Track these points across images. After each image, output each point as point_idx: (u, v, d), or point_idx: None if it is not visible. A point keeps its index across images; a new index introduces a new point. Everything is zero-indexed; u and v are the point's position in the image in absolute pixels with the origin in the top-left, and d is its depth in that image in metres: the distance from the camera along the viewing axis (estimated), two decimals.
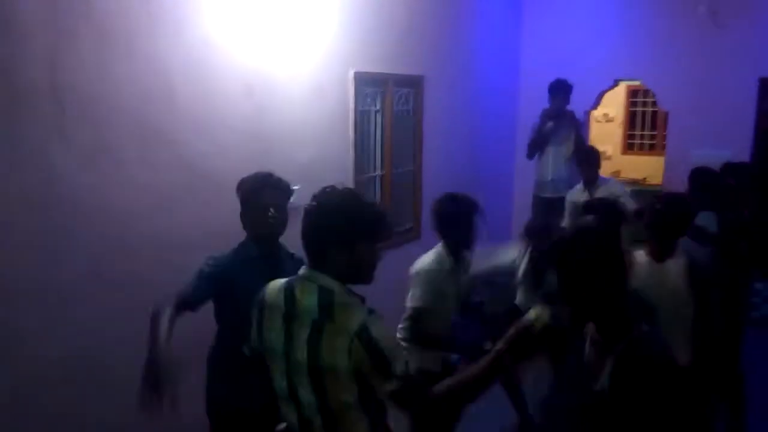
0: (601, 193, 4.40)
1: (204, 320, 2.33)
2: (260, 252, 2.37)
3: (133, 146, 2.81)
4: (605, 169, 5.05)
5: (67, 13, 2.50)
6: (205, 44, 3.07)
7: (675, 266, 2.71)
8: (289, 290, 1.74)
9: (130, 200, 2.81)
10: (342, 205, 1.73)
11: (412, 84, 4.82)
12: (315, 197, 1.77)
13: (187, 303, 2.24)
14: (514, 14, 6.38)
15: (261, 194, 2.37)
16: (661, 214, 2.75)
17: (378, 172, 4.58)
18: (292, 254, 2.46)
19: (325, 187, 1.79)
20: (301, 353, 1.66)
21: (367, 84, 4.29)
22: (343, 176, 4.10)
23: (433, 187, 5.01)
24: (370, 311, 1.67)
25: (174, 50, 2.93)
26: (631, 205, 4.25)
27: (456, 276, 2.98)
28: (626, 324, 1.64)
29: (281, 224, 2.40)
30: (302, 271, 1.75)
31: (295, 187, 3.61)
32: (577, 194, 4.61)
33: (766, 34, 5.27)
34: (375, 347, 1.60)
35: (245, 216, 2.38)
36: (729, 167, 3.97)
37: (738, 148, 5.38)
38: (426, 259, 2.93)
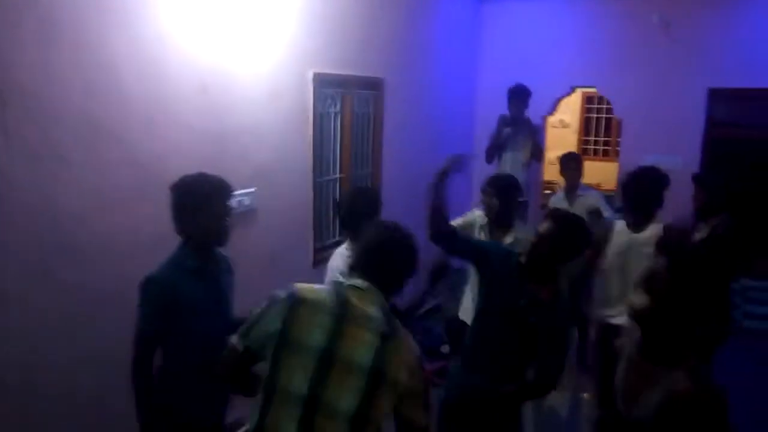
0: (579, 203, 4.46)
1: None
2: (199, 262, 2.26)
3: (80, 145, 2.68)
4: (559, 174, 5.13)
5: (8, 3, 2.37)
6: (158, 40, 2.97)
7: (650, 233, 2.88)
8: (340, 294, 1.75)
9: (76, 201, 2.68)
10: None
11: (373, 87, 4.79)
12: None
13: (154, 341, 2.18)
14: (473, 21, 6.43)
15: (219, 200, 2.26)
16: (634, 185, 2.93)
17: (337, 174, 4.53)
18: (225, 257, 2.40)
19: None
20: (362, 357, 1.66)
21: (327, 86, 4.24)
22: (301, 178, 4.05)
23: (392, 189, 5.00)
24: None
25: (125, 45, 2.82)
26: (609, 213, 4.34)
27: None
28: (686, 354, 1.57)
29: (229, 232, 2.32)
30: (356, 282, 1.78)
31: (251, 190, 3.58)
32: (558, 201, 4.68)
33: (715, 46, 5.44)
34: (425, 381, 1.75)
35: (193, 222, 2.22)
36: (698, 177, 4.09)
37: (688, 155, 5.56)
38: (339, 258, 2.83)
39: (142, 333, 2.17)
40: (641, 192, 2.99)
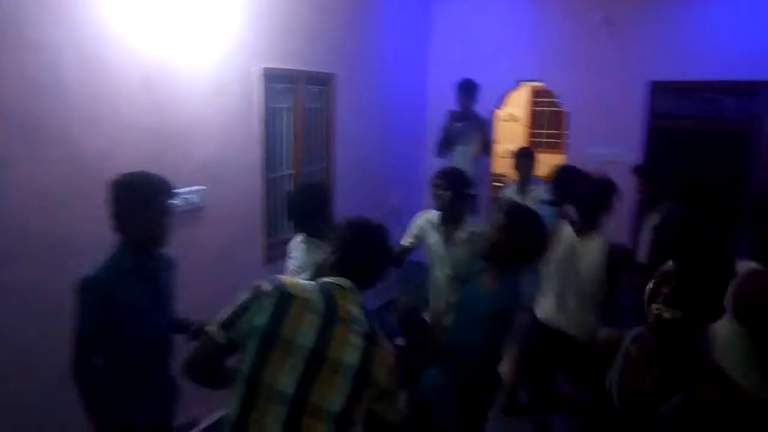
0: (531, 196, 4.54)
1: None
2: (137, 260, 2.22)
3: (20, 143, 2.60)
4: (508, 167, 5.24)
5: None
6: (99, 35, 2.90)
7: (594, 244, 2.95)
8: (327, 293, 1.76)
9: (17, 200, 2.60)
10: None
11: (323, 82, 4.78)
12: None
13: (93, 341, 2.12)
14: (422, 16, 6.48)
15: (158, 199, 2.22)
16: (582, 191, 3.02)
17: (288, 170, 4.50)
18: (165, 254, 2.37)
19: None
20: (350, 358, 1.68)
21: (276, 80, 4.20)
22: (252, 175, 4.01)
23: (345, 185, 5.01)
24: None
25: (66, 40, 2.74)
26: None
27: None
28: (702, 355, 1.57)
29: (169, 232, 2.28)
30: (340, 281, 1.79)
31: (199, 187, 3.52)
32: (511, 194, 4.76)
33: (655, 40, 5.63)
34: (397, 382, 1.81)
35: (131, 221, 2.18)
36: (640, 168, 4.22)
37: (631, 147, 5.75)
38: (300, 255, 2.83)
39: (81, 333, 2.12)
40: (591, 200, 3.06)
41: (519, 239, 2.49)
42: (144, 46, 3.12)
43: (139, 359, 2.22)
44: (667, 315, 1.53)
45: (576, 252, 3.04)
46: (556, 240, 3.12)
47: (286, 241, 4.46)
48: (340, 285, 1.79)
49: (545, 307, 3.15)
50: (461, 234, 3.32)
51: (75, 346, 2.13)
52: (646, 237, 3.75)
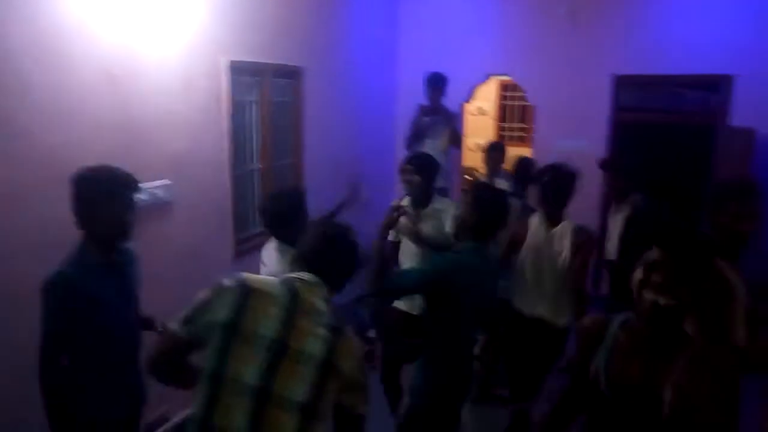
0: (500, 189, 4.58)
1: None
2: (103, 256, 2.19)
3: None
4: (479, 161, 5.28)
5: None
6: (61, 28, 2.82)
7: (562, 230, 3.08)
8: (290, 286, 1.76)
9: None
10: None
11: (291, 75, 4.74)
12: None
13: (62, 340, 2.08)
14: (391, 10, 6.48)
15: (122, 195, 2.18)
16: (554, 182, 3.13)
17: (256, 165, 4.47)
18: (128, 249, 2.34)
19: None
20: (313, 348, 1.68)
21: (242, 74, 4.15)
22: (219, 169, 3.97)
23: (315, 179, 4.99)
24: None
25: (26, 34, 2.66)
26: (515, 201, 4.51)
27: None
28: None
29: (133, 227, 2.25)
30: (304, 275, 1.80)
31: (165, 182, 3.47)
32: None
33: (618, 34, 5.73)
34: (365, 373, 1.81)
35: (94, 216, 2.14)
36: (606, 162, 4.28)
37: (596, 139, 5.85)
38: (273, 262, 2.83)
39: (50, 333, 2.08)
40: (561, 188, 3.16)
41: (484, 212, 2.64)
42: (107, 40, 3.06)
43: (108, 357, 2.19)
44: (663, 302, 1.58)
45: (547, 239, 3.11)
46: (526, 230, 3.18)
47: (256, 236, 4.45)
48: (304, 279, 1.80)
49: (523, 297, 3.20)
50: (426, 211, 3.45)
51: (42, 346, 2.08)
52: (615, 230, 3.81)
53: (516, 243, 3.22)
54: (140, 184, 2.29)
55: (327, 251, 1.86)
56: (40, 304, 2.08)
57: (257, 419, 1.62)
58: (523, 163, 4.64)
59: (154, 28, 3.34)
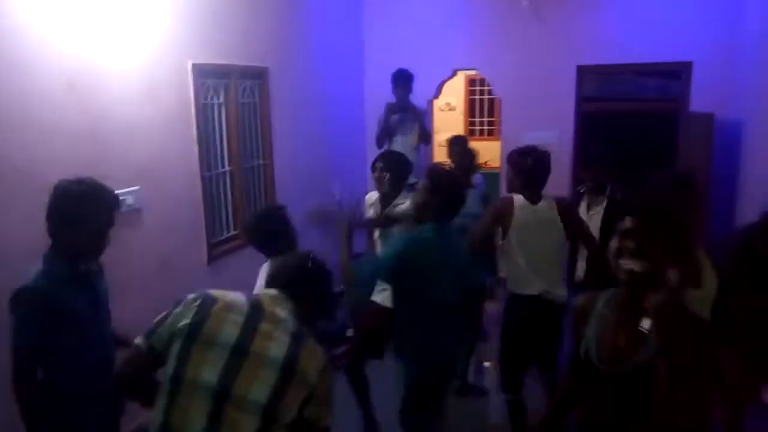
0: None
1: None
2: (73, 268, 2.16)
3: None
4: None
5: None
6: (19, 37, 2.77)
7: (546, 205, 3.20)
8: (254, 299, 1.81)
9: None
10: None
11: (257, 76, 4.71)
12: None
13: (35, 354, 2.04)
14: (355, 9, 6.47)
15: (106, 215, 2.16)
16: (534, 167, 3.23)
17: (226, 167, 4.43)
18: (96, 261, 2.31)
19: None
20: (275, 352, 1.69)
21: (208, 76, 4.12)
22: (188, 174, 3.93)
23: (286, 180, 4.97)
24: None
25: None
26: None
27: None
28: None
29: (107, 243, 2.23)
30: (270, 291, 1.86)
31: (134, 189, 3.43)
32: None
33: (581, 26, 5.82)
34: (330, 384, 1.81)
35: (74, 233, 2.10)
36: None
37: (562, 130, 5.94)
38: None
39: (22, 347, 2.03)
40: (541, 169, 3.24)
41: (443, 193, 2.75)
42: (68, 47, 3.00)
43: (84, 368, 2.15)
44: (637, 268, 1.65)
45: (535, 219, 3.17)
46: (510, 213, 3.19)
47: (229, 240, 4.42)
48: (269, 294, 1.85)
49: (519, 278, 3.22)
50: (395, 203, 3.54)
51: (15, 361, 2.04)
52: (594, 223, 3.84)
53: (498, 223, 3.25)
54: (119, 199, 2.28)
55: (300, 282, 1.90)
56: (9, 316, 2.04)
57: (215, 420, 1.62)
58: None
59: (117, 34, 3.29)
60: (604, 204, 3.87)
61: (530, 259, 3.17)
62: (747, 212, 4.75)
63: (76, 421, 2.18)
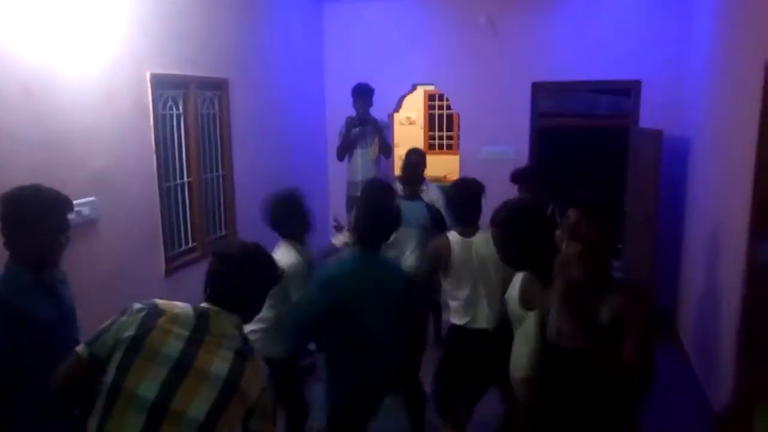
0: (422, 196, 4.58)
1: None
2: (36, 275, 2.12)
3: None
4: None
5: None
6: None
7: (480, 239, 3.17)
8: (201, 312, 1.78)
9: None
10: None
11: (217, 87, 4.69)
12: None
13: (3, 363, 1.99)
14: (315, 22, 6.51)
15: (54, 216, 2.11)
16: (461, 199, 3.27)
17: (185, 178, 4.38)
18: (60, 270, 2.28)
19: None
20: (217, 368, 1.67)
21: (166, 87, 4.08)
22: (146, 184, 3.87)
23: (247, 191, 4.94)
24: None
25: None
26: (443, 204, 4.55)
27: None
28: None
29: (63, 249, 2.19)
30: (212, 306, 1.81)
31: (90, 199, 3.36)
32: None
33: (536, 44, 5.99)
34: (272, 399, 1.81)
35: (24, 238, 2.06)
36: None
37: (519, 145, 6.08)
38: (289, 258, 2.98)
39: None
40: (469, 203, 3.28)
41: (373, 218, 2.73)
42: (22, 53, 2.94)
43: (50, 377, 2.10)
44: (572, 249, 1.86)
45: (469, 250, 3.17)
46: (448, 253, 3.20)
47: (187, 252, 4.36)
48: (214, 309, 1.81)
49: (463, 312, 3.22)
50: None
51: None
52: None
53: (438, 264, 3.23)
54: (71, 204, 2.23)
55: (238, 287, 1.86)
56: None
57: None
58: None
59: (74, 42, 3.24)
60: None
61: (471, 293, 3.17)
62: (694, 225, 4.96)
63: (45, 428, 2.12)
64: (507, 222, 2.22)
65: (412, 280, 2.87)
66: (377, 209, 2.79)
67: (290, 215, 3.10)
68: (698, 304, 4.58)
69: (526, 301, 2.20)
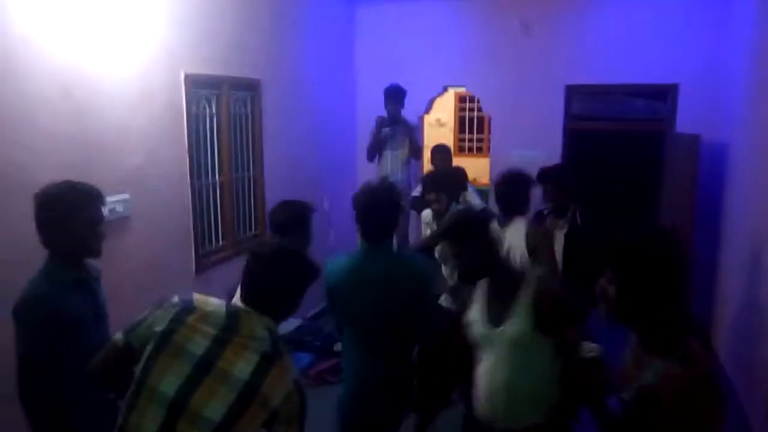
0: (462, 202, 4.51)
1: None
2: (74, 274, 2.15)
3: None
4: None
5: None
6: (16, 41, 2.77)
7: (515, 229, 3.27)
8: (233, 311, 1.77)
9: None
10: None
11: (250, 87, 4.73)
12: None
13: (41, 362, 2.02)
14: (347, 23, 6.52)
15: (90, 209, 2.14)
16: (504, 187, 3.41)
17: (216, 178, 4.43)
18: (94, 266, 2.30)
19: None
20: (240, 371, 1.66)
21: (200, 86, 4.13)
22: (179, 182, 3.92)
23: (277, 191, 4.97)
24: None
25: None
26: (478, 201, 4.55)
27: None
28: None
29: (102, 241, 2.21)
30: (245, 307, 1.80)
31: (124, 196, 3.42)
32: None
33: (570, 45, 5.90)
34: (302, 403, 1.76)
35: (61, 233, 2.09)
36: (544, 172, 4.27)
37: (551, 148, 5.99)
38: None
39: (28, 355, 2.02)
40: (510, 193, 3.38)
41: (373, 212, 2.54)
42: (61, 53, 3.01)
43: (86, 376, 2.13)
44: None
45: (503, 239, 3.19)
46: None
47: (217, 250, 4.40)
48: (247, 310, 1.79)
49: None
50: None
51: (21, 369, 2.02)
52: (557, 245, 3.79)
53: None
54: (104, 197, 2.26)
55: (271, 287, 1.81)
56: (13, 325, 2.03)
57: (166, 431, 1.61)
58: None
59: (110, 42, 3.30)
60: (566, 229, 3.87)
61: None
62: (732, 234, 4.82)
63: (80, 427, 2.15)
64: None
65: (428, 282, 2.70)
66: (369, 203, 2.57)
67: (297, 223, 2.82)
68: (737, 318, 4.44)
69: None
